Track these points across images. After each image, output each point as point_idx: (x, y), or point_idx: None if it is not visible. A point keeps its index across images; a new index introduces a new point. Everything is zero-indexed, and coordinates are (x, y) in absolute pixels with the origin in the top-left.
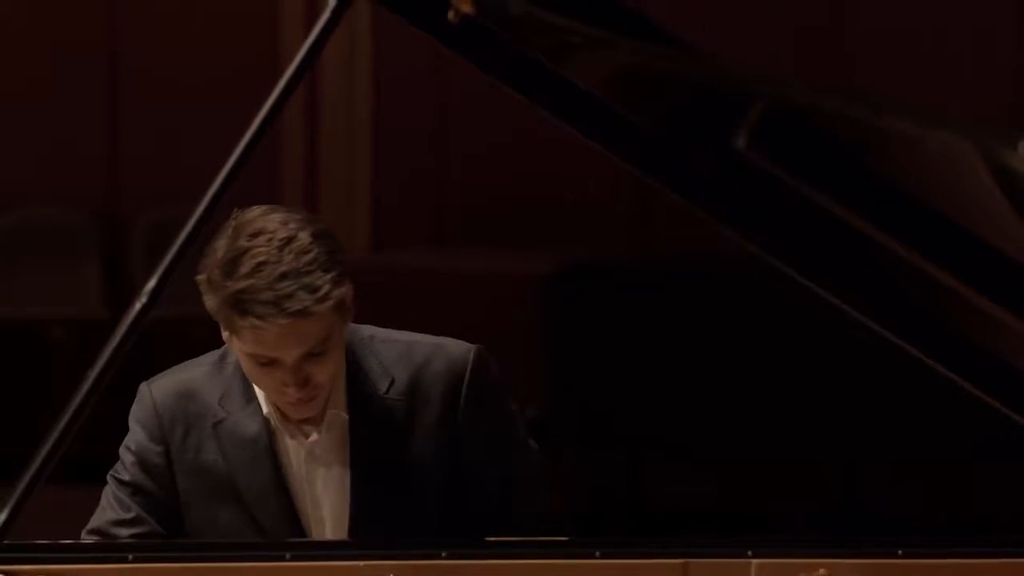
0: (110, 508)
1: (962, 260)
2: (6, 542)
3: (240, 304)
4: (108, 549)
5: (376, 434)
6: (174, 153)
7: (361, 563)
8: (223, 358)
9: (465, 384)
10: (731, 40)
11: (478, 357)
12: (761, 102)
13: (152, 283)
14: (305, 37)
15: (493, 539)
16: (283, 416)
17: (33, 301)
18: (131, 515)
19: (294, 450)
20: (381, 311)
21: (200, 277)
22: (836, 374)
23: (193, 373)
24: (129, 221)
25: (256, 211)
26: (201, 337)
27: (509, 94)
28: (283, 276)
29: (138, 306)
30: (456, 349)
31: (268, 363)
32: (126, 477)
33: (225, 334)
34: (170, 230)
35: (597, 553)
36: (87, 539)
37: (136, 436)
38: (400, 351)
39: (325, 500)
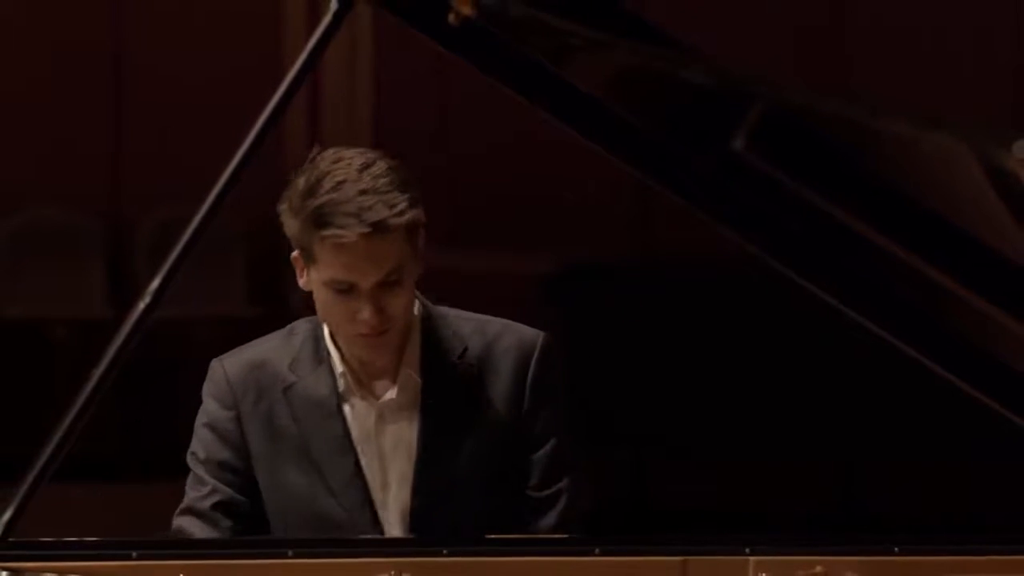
0: (191, 487)
1: (957, 260)
2: (11, 540)
3: (322, 218)
4: (112, 547)
5: (447, 398)
6: (177, 154)
7: (363, 560)
8: (291, 331)
9: (534, 362)
10: (730, 42)
11: (547, 341)
12: (759, 103)
13: (155, 283)
14: (307, 39)
15: (494, 536)
16: (356, 379)
17: (37, 301)
18: (208, 488)
19: (364, 411)
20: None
21: (280, 207)
22: (834, 374)
23: (262, 346)
24: (132, 222)
25: (333, 148)
26: (204, 337)
27: (509, 95)
28: (363, 192)
29: (141, 306)
30: (527, 330)
31: (345, 290)
32: (201, 452)
33: (301, 278)
34: (173, 231)
35: (597, 550)
36: (178, 520)
37: (208, 408)
38: (473, 325)
39: (393, 461)
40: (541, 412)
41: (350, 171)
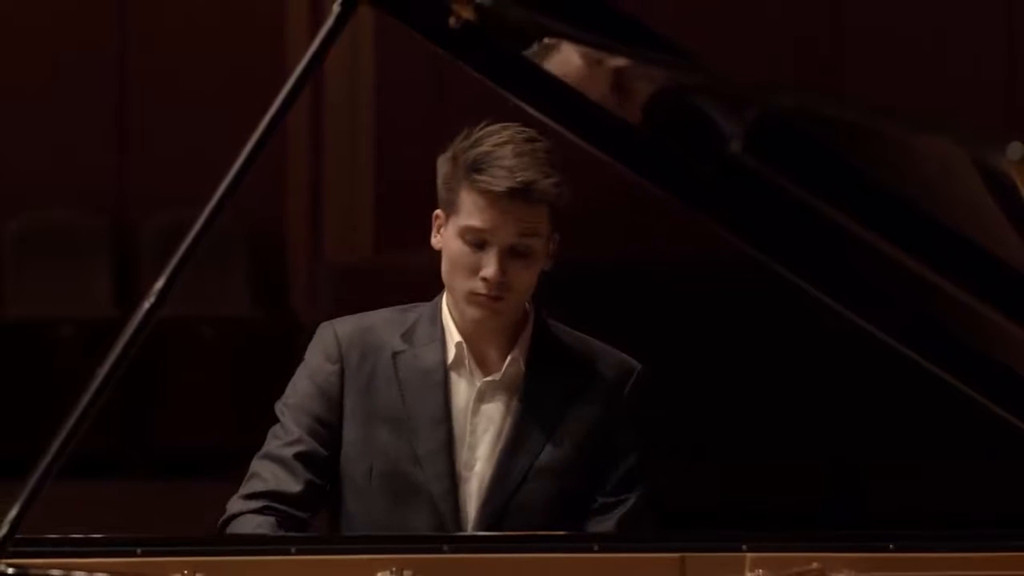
0: (274, 436)
1: (952, 261)
2: (16, 536)
3: (476, 164)
4: (117, 543)
5: (544, 393)
6: (182, 156)
7: (364, 557)
8: (406, 309)
9: (629, 386)
10: (729, 47)
11: (643, 371)
12: (757, 107)
13: (160, 283)
14: (310, 42)
15: (494, 534)
16: (468, 352)
17: (44, 301)
18: (294, 436)
19: (466, 387)
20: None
21: (441, 156)
22: (831, 373)
23: (375, 315)
24: (138, 223)
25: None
26: (209, 336)
27: (508, 98)
28: (521, 154)
29: (147, 306)
30: (626, 356)
31: (478, 244)
32: (295, 403)
33: (436, 236)
34: (178, 231)
35: (596, 547)
36: (256, 464)
37: (312, 362)
38: (578, 338)
39: (482, 440)
40: (627, 432)
41: (516, 138)
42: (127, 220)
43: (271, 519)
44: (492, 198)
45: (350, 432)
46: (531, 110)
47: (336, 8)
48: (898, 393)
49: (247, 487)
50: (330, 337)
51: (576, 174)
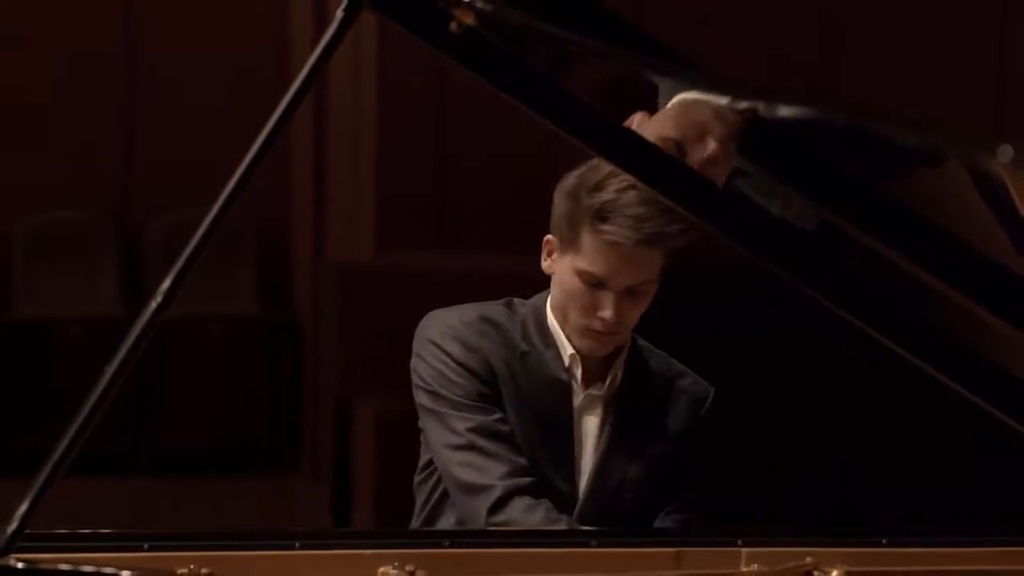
0: (461, 418)
1: (943, 260)
2: (26, 531)
3: (603, 214)
4: (124, 539)
5: (636, 410)
6: (187, 158)
7: (367, 552)
8: (510, 305)
9: (706, 407)
10: (724, 49)
11: (715, 393)
12: (751, 109)
13: (167, 283)
14: (314, 46)
15: (494, 528)
16: (578, 364)
17: (52, 301)
18: (496, 415)
19: (576, 396)
20: (386, 310)
21: (559, 188)
22: (827, 372)
23: (487, 309)
24: (145, 224)
25: None
26: (215, 335)
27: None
28: (645, 202)
29: (153, 305)
30: (701, 380)
31: (595, 285)
32: (458, 390)
33: (546, 261)
34: (184, 232)
35: (593, 542)
36: (474, 439)
37: (449, 348)
38: (663, 359)
39: (586, 447)
40: (698, 448)
41: (635, 182)
42: (134, 221)
43: (545, 503)
44: (617, 250)
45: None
46: (530, 112)
47: (340, 13)
48: (893, 391)
49: (496, 468)
50: (457, 323)
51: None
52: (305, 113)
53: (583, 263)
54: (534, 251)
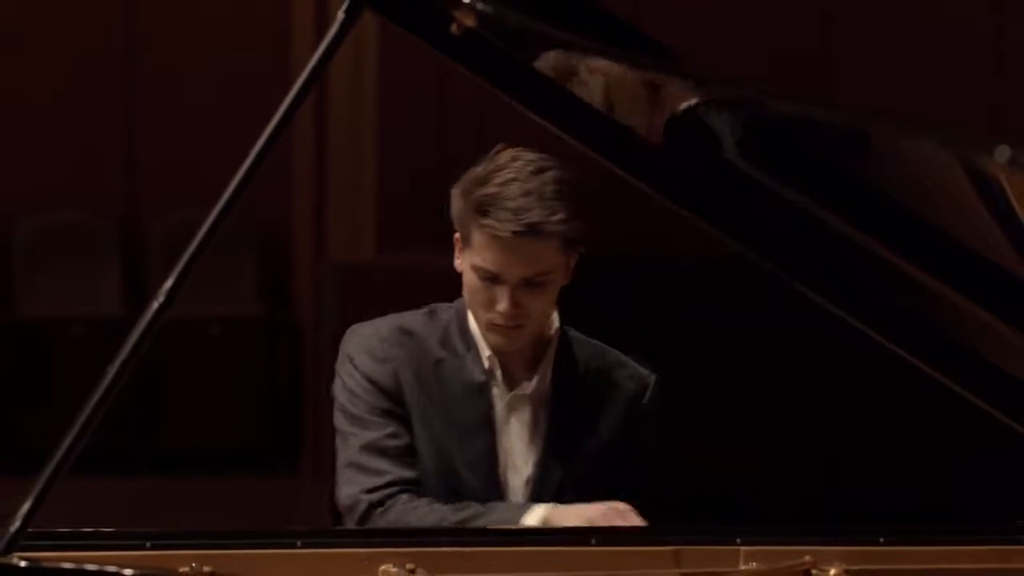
0: (361, 430)
1: (940, 260)
2: (30, 530)
3: (483, 207)
4: (127, 537)
5: (569, 406)
6: (190, 158)
7: (367, 550)
8: (432, 312)
9: (647, 397)
10: (720, 50)
11: (658, 381)
12: (749, 110)
13: (169, 283)
14: (315, 48)
15: (494, 528)
16: (499, 366)
17: (55, 301)
18: (391, 429)
19: (499, 398)
20: (386, 310)
21: (454, 189)
22: (824, 370)
23: (406, 318)
24: (147, 225)
25: (517, 148)
26: (217, 335)
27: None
28: (527, 193)
29: (155, 305)
30: (641, 368)
31: (490, 279)
32: (361, 404)
33: (457, 259)
34: (186, 233)
35: (593, 541)
36: (359, 457)
37: (360, 362)
38: (597, 350)
39: (514, 451)
40: (641, 436)
41: (523, 172)
42: (136, 222)
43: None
44: (499, 241)
45: (415, 427)
46: (530, 113)
47: (341, 15)
48: (890, 389)
49: (367, 480)
50: (371, 336)
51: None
52: (306, 114)
53: (476, 258)
54: None
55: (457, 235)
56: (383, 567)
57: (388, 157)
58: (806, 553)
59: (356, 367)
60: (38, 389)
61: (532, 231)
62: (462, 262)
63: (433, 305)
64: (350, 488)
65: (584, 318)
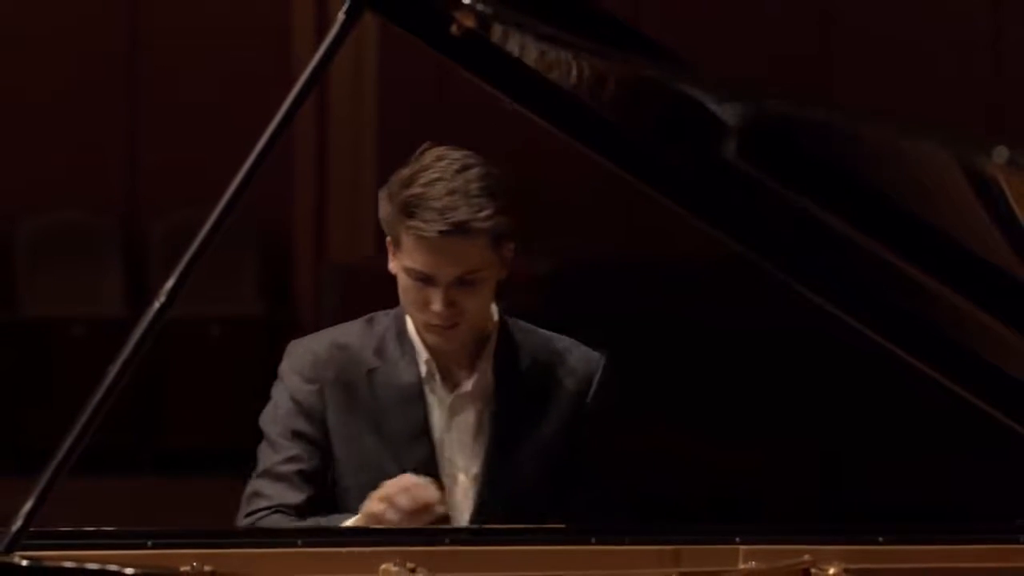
0: (267, 454)
1: (939, 261)
2: (31, 529)
3: (409, 208)
4: (128, 536)
5: (514, 401)
6: (191, 158)
7: (368, 549)
8: (371, 321)
9: (595, 384)
10: (719, 49)
11: (607, 364)
12: (749, 111)
13: (170, 283)
14: (316, 49)
15: (494, 527)
16: (437, 368)
17: (57, 301)
18: (292, 453)
19: (439, 401)
20: (387, 309)
21: (381, 192)
22: (823, 370)
23: (343, 331)
24: (148, 225)
25: (442, 147)
26: (217, 335)
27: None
28: (452, 192)
29: (157, 305)
30: (590, 351)
31: (423, 280)
32: (281, 424)
33: (391, 262)
34: (188, 233)
35: (593, 540)
36: (257, 483)
37: (290, 382)
38: (543, 339)
39: (461, 451)
40: (595, 425)
41: (447, 171)
42: (137, 222)
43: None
44: (427, 243)
45: (339, 450)
46: (529, 114)
47: (341, 15)
48: (889, 389)
49: (251, 506)
50: (303, 355)
51: (577, 175)
52: (307, 114)
53: (406, 260)
54: (534, 251)
55: (388, 238)
56: (384, 566)
57: (388, 157)
58: (805, 552)
59: (285, 387)
60: (39, 389)
61: (459, 230)
62: (394, 265)
63: (373, 313)
64: (240, 515)
65: (584, 318)
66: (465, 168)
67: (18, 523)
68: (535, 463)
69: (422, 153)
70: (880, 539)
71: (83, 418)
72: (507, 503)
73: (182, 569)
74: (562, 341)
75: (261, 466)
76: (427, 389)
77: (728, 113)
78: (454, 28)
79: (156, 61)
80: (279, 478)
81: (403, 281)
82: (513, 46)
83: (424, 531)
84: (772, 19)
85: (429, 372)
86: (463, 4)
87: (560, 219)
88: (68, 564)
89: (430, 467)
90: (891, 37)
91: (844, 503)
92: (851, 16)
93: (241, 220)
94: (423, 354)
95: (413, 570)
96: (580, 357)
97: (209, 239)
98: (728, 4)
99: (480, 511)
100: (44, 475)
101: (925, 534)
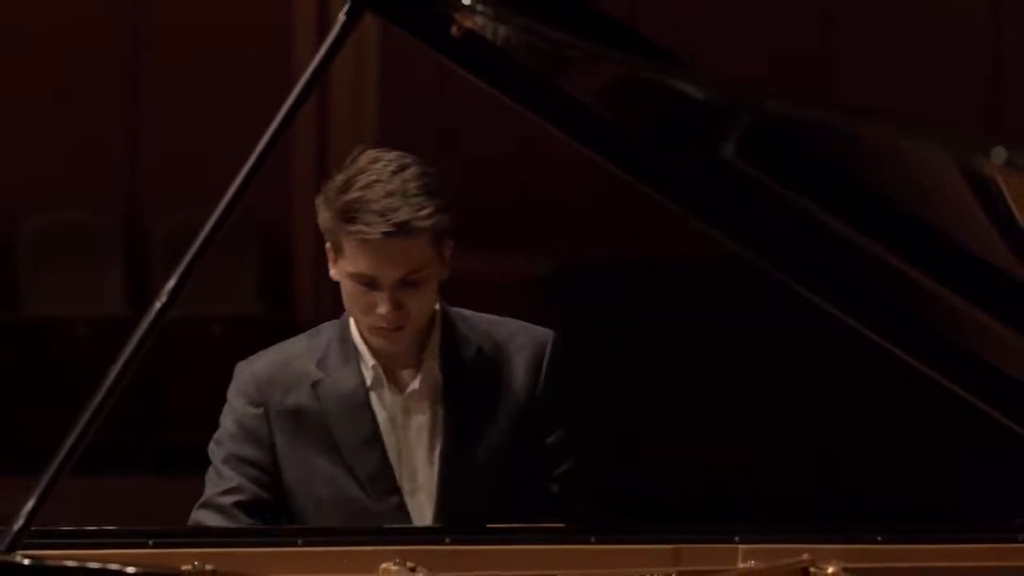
0: (212, 483)
1: (938, 261)
2: (33, 528)
3: (349, 213)
4: (130, 535)
5: (466, 391)
6: (193, 159)
7: (369, 548)
8: (316, 333)
9: (546, 359)
10: (719, 51)
11: (557, 339)
12: (748, 112)
13: (172, 283)
14: (316, 50)
15: (494, 526)
16: (384, 372)
17: (59, 301)
18: (231, 484)
19: (390, 403)
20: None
21: (317, 199)
22: (822, 369)
23: (288, 347)
24: (150, 225)
25: (375, 149)
26: (218, 334)
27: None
28: (390, 193)
29: (158, 305)
30: (539, 329)
31: (367, 284)
32: (226, 450)
33: (332, 269)
34: (189, 233)
35: (593, 539)
36: (198, 513)
37: (235, 406)
38: (488, 325)
39: (417, 450)
40: (553, 404)
41: (384, 172)
42: (139, 222)
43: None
44: (370, 245)
45: (288, 470)
46: (529, 114)
47: (342, 17)
48: (887, 388)
49: None
50: (249, 379)
51: (576, 175)
52: (307, 114)
53: (349, 266)
54: (533, 251)
55: (328, 245)
56: (384, 565)
57: None
58: (804, 551)
59: (232, 411)
60: (41, 388)
61: (402, 230)
62: (336, 272)
63: (319, 325)
64: None
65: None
66: (401, 168)
67: (20, 522)
68: (494, 453)
69: (355, 157)
70: (879, 538)
71: (84, 417)
72: (468, 498)
73: (183, 568)
74: (509, 325)
75: (204, 495)
76: (374, 396)
77: (727, 113)
78: (454, 29)
79: (157, 61)
80: (219, 510)
81: (347, 287)
82: (512, 47)
83: (424, 530)
84: (771, 19)
85: (376, 377)
86: (463, 5)
87: (560, 219)
88: (70, 563)
89: (386, 474)
90: (891, 37)
91: (842, 502)
92: (851, 16)
93: (241, 220)
94: (369, 360)
95: (413, 569)
96: (529, 337)
97: (210, 239)
98: (728, 4)
99: (442, 508)
100: (46, 474)
101: (923, 533)
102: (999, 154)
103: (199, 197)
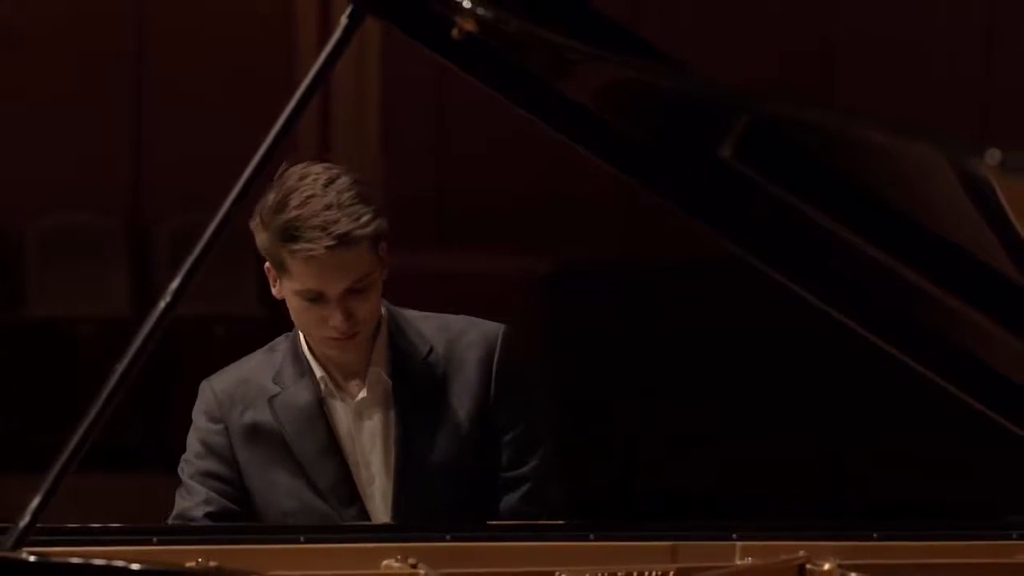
0: (181, 497)
1: (933, 261)
2: (39, 525)
3: (290, 232)
4: (134, 533)
5: (416, 393)
6: (197, 159)
7: (370, 545)
8: (272, 348)
9: (497, 353)
10: (719, 53)
11: (507, 334)
12: (746, 113)
13: (175, 283)
14: (319, 52)
15: (494, 523)
16: (334, 383)
17: (64, 301)
18: (200, 497)
19: (343, 412)
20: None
21: (252, 222)
22: (821, 368)
23: (246, 364)
24: (154, 225)
25: (300, 164)
26: (221, 334)
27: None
28: (328, 207)
29: (162, 305)
30: (489, 324)
31: (315, 298)
32: (192, 466)
33: (274, 287)
34: (193, 233)
35: (591, 536)
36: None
37: (198, 424)
38: (437, 324)
39: (373, 456)
40: (508, 399)
41: (316, 187)
42: (144, 222)
43: None
44: (316, 261)
45: (252, 484)
46: (529, 116)
47: (344, 20)
48: (885, 386)
49: None
50: (209, 396)
51: (576, 176)
52: (309, 114)
53: (296, 284)
54: (533, 251)
55: (267, 266)
56: (386, 562)
57: (390, 159)
58: (801, 548)
59: (195, 429)
60: (47, 387)
61: (344, 241)
62: (280, 290)
63: (274, 340)
64: None
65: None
66: (331, 180)
67: (25, 519)
68: (449, 454)
69: (281, 175)
70: (875, 535)
71: (91, 415)
72: (425, 500)
73: (187, 565)
74: (459, 322)
75: (176, 509)
76: (329, 407)
77: (725, 115)
78: (455, 32)
79: (161, 63)
80: (190, 522)
81: (294, 304)
82: (512, 49)
83: (425, 527)
84: (773, 18)
85: (327, 388)
86: (464, 8)
87: (560, 219)
88: (74, 560)
89: (346, 483)
90: (892, 37)
91: (840, 500)
92: (853, 16)
93: (245, 221)
94: (318, 371)
95: (415, 565)
96: (479, 333)
97: (213, 240)
98: (727, 4)
99: (397, 513)
100: (51, 472)
101: (919, 530)
102: (993, 155)
103: (203, 198)
